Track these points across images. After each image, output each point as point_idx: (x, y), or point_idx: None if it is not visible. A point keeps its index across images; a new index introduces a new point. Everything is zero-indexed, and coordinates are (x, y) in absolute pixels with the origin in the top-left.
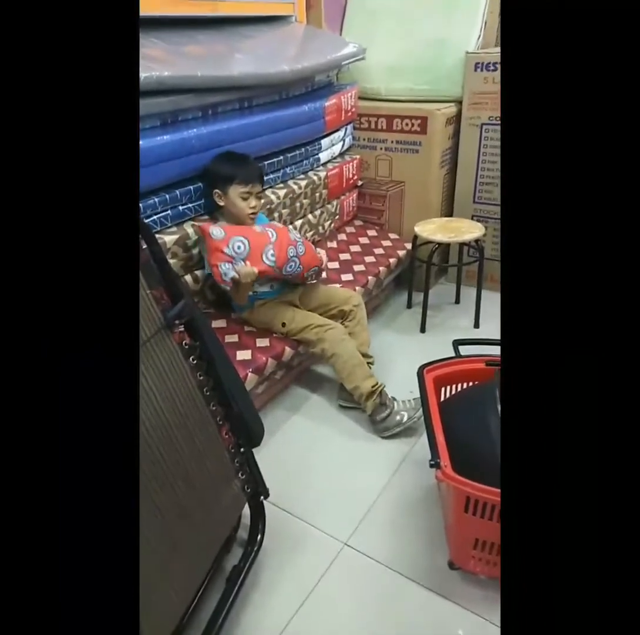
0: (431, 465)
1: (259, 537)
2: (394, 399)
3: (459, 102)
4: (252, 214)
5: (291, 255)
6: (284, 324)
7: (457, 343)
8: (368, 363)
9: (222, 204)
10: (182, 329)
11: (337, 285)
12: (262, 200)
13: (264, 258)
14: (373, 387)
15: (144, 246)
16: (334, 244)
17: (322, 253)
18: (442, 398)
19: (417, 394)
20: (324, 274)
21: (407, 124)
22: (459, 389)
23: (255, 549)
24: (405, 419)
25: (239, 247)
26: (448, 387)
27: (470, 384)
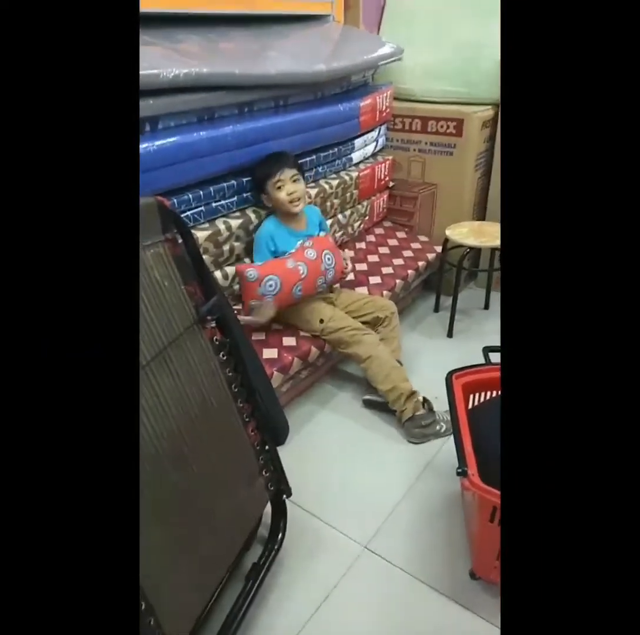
0: (458, 473)
1: (279, 536)
2: None
3: (496, 106)
4: (291, 201)
5: (320, 283)
6: (321, 321)
7: (487, 350)
8: None
9: (270, 205)
10: (214, 325)
11: (364, 291)
12: (303, 184)
13: (293, 293)
14: (412, 389)
15: (180, 240)
16: (362, 245)
17: (347, 258)
18: (470, 405)
19: (443, 400)
20: (351, 276)
21: (442, 126)
22: (488, 396)
23: (276, 547)
24: (443, 429)
25: (271, 286)
26: (477, 395)
27: (500, 392)
